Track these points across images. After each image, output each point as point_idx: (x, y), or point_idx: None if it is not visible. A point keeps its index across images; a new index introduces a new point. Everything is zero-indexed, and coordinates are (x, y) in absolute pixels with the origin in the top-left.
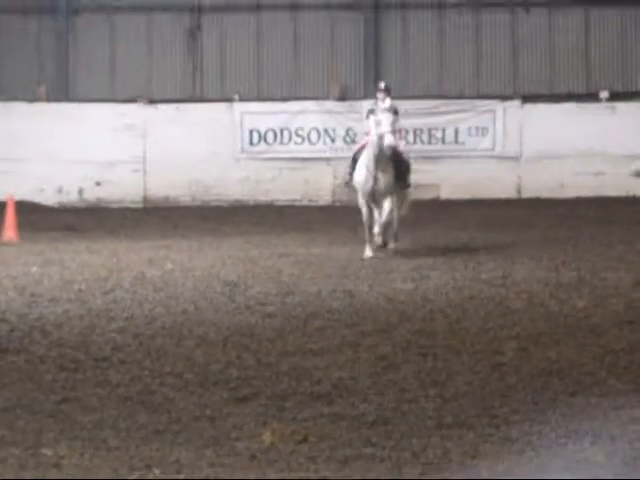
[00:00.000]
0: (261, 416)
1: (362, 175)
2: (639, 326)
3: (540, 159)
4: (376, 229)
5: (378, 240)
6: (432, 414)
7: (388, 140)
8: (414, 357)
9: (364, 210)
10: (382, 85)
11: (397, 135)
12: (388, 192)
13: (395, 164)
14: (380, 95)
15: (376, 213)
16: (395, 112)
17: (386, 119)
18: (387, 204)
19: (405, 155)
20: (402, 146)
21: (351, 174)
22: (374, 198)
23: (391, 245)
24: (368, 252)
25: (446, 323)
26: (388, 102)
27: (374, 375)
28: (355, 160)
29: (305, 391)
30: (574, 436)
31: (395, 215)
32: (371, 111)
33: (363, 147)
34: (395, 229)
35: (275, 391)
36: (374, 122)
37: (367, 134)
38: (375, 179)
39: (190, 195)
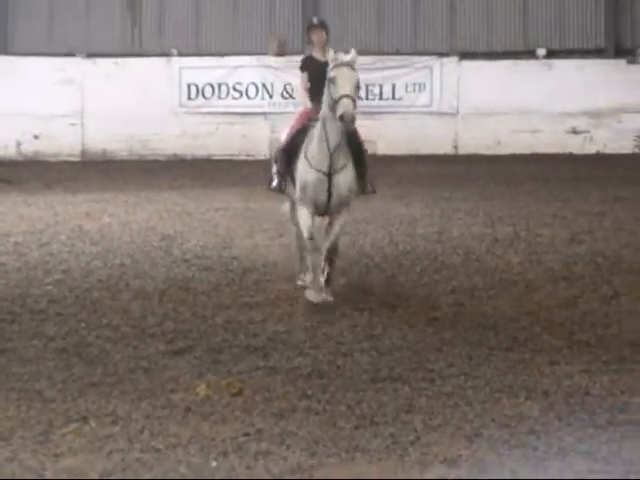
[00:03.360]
0: (196, 369)
1: (310, 175)
2: (574, 282)
3: (477, 116)
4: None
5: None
6: (367, 368)
7: (344, 107)
8: (349, 311)
9: (307, 229)
10: (315, 20)
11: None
12: (347, 202)
13: (354, 156)
14: (315, 36)
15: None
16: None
17: (346, 78)
18: (341, 219)
19: (364, 145)
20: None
21: (284, 175)
22: (326, 211)
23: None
24: (316, 295)
25: (382, 278)
26: (353, 53)
27: (310, 329)
28: (289, 153)
29: (241, 344)
30: (508, 391)
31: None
32: (308, 60)
33: (301, 130)
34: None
35: (211, 344)
36: (328, 82)
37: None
38: (330, 180)
39: (128, 149)
